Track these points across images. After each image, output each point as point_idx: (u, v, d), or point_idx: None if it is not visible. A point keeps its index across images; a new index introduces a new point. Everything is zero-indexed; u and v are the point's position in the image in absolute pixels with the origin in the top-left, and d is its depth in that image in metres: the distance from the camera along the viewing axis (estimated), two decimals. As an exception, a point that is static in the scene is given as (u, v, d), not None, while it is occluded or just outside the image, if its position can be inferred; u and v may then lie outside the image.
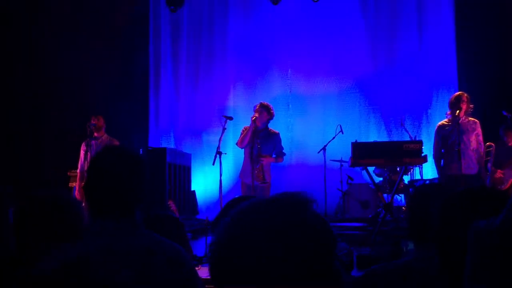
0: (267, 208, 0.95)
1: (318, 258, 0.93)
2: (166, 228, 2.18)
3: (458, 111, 5.58)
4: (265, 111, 5.79)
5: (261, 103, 5.87)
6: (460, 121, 5.60)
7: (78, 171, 6.26)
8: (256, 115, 5.76)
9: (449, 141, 5.62)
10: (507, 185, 6.35)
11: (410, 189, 6.60)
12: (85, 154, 5.99)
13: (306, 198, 0.97)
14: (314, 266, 0.93)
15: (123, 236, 1.64)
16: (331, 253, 0.95)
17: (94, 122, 6.08)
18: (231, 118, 6.13)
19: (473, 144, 5.63)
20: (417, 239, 2.04)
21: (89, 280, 1.55)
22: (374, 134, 8.19)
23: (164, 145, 8.44)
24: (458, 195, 1.66)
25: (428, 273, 1.89)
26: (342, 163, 7.37)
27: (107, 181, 1.67)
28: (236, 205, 1.83)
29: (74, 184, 6.63)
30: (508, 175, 6.39)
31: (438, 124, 5.93)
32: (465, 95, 5.77)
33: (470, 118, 5.76)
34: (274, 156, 5.93)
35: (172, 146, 8.46)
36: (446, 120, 5.85)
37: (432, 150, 6.02)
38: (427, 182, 6.47)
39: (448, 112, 5.82)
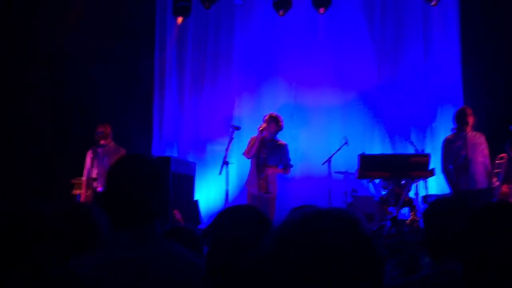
0: (327, 218, 0.95)
1: (371, 273, 0.94)
2: (183, 241, 2.16)
3: (465, 126, 5.59)
4: (274, 122, 5.79)
5: (270, 114, 5.89)
6: (468, 135, 5.60)
7: (84, 178, 6.23)
8: (264, 125, 5.77)
9: (458, 156, 5.61)
10: (513, 200, 6.35)
11: (424, 205, 6.59)
12: (92, 162, 5.97)
13: (357, 216, 0.98)
14: (368, 281, 0.93)
15: (144, 246, 1.62)
16: (383, 270, 0.96)
17: (101, 130, 6.08)
18: (238, 128, 6.13)
19: (481, 158, 5.63)
20: (434, 254, 2.03)
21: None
22: (378, 146, 8.19)
23: (168, 154, 8.41)
24: (483, 211, 1.65)
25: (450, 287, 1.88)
26: (347, 175, 7.36)
27: (128, 189, 1.65)
28: (231, 214, 1.81)
29: (78, 192, 6.59)
30: (514, 189, 6.38)
31: (445, 139, 5.93)
32: (470, 109, 5.79)
33: (475, 132, 5.77)
34: (281, 167, 5.92)
35: (176, 155, 8.43)
36: (452, 134, 5.85)
37: (437, 163, 6.01)
38: (441, 196, 6.45)
39: (454, 127, 5.83)
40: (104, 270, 1.56)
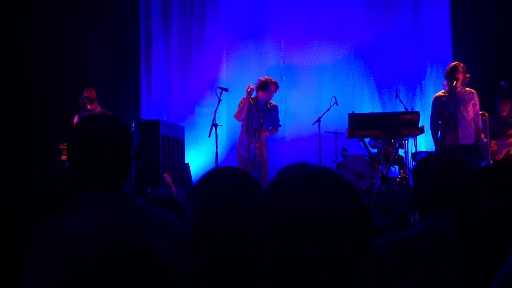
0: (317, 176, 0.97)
1: (361, 226, 0.94)
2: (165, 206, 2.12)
3: (455, 82, 5.54)
4: (265, 86, 5.74)
5: (264, 78, 5.85)
6: (457, 91, 5.57)
7: (70, 144, 6.18)
8: (251, 86, 5.71)
9: (446, 112, 5.60)
10: (501, 156, 6.40)
11: (414, 162, 6.63)
12: (78, 127, 5.90)
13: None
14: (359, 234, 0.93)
15: (114, 208, 1.56)
16: (371, 223, 0.97)
17: (86, 95, 5.98)
18: (226, 90, 6.06)
19: (471, 114, 5.62)
20: (423, 210, 2.03)
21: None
22: (368, 105, 8.18)
23: (156, 118, 8.35)
24: (487, 170, 1.67)
25: (440, 245, 1.89)
26: (337, 134, 7.36)
27: (96, 150, 1.55)
28: (217, 176, 1.77)
29: (65, 157, 6.54)
30: (502, 145, 6.43)
31: (434, 95, 5.91)
32: (461, 65, 5.73)
33: (466, 89, 5.73)
34: (270, 128, 5.89)
35: (165, 119, 8.38)
36: (442, 91, 5.82)
37: (427, 121, 6.01)
38: (431, 153, 6.49)
39: (445, 83, 5.79)
40: (74, 236, 1.49)
